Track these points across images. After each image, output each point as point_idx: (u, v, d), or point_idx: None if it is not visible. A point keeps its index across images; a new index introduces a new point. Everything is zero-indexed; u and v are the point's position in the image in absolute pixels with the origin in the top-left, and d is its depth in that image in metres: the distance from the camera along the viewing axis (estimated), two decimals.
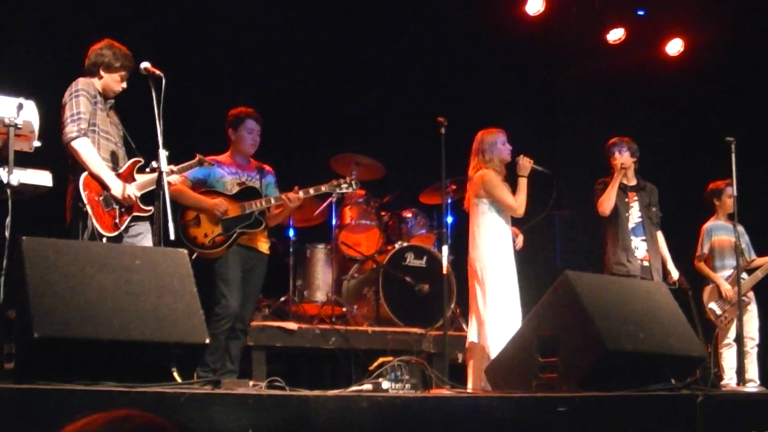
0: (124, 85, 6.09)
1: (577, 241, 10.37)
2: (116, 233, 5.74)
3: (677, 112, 10.76)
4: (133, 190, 5.82)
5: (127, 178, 5.91)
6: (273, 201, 6.82)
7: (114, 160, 5.99)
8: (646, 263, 7.64)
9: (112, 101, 6.15)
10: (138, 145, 6.06)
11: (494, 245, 6.92)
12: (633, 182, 7.94)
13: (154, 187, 5.81)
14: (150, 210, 5.86)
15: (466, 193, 7.21)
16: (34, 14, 7.91)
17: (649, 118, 10.63)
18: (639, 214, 7.76)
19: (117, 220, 5.78)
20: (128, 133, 6.16)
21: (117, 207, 5.80)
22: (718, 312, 8.48)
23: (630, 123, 10.27)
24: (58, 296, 4.11)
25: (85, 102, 5.84)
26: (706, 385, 5.92)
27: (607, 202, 7.67)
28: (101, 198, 5.75)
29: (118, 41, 6.12)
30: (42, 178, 5.48)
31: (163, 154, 5.40)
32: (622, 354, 5.22)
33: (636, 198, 7.83)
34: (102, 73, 6.02)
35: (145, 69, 5.60)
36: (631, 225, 7.76)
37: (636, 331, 5.39)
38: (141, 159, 6.00)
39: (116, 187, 5.78)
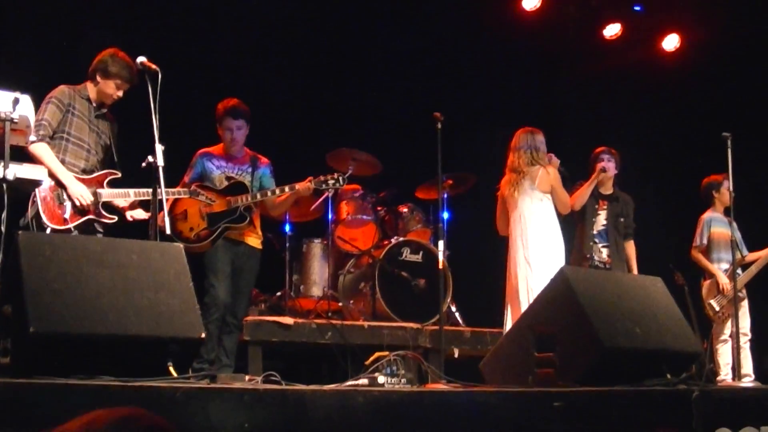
0: (120, 93, 6.24)
1: (572, 239, 10.39)
2: (63, 227, 5.83)
3: (674, 108, 10.74)
4: (87, 191, 5.92)
5: (94, 184, 6.04)
6: (259, 196, 6.82)
7: (81, 166, 6.10)
8: (608, 266, 7.83)
9: (105, 110, 6.28)
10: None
11: (555, 241, 7.17)
12: (609, 192, 8.17)
13: (123, 203, 6.11)
14: (113, 219, 6.04)
15: (509, 185, 7.49)
16: (31, 9, 7.90)
17: (645, 114, 10.62)
18: (605, 222, 7.97)
19: (67, 216, 5.87)
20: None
21: (69, 205, 5.89)
22: (717, 308, 8.49)
23: (626, 118, 10.28)
24: (54, 291, 4.11)
25: (52, 110, 6.01)
26: (701, 381, 5.92)
27: (579, 199, 7.90)
28: (55, 194, 5.87)
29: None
30: (38, 172, 5.49)
31: (159, 148, 5.39)
32: (619, 350, 5.22)
33: (606, 207, 8.08)
34: (98, 78, 6.20)
35: (142, 63, 5.60)
36: (595, 231, 8.01)
37: (632, 326, 5.40)
38: (117, 173, 6.16)
39: (71, 186, 5.89)
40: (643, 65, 10.74)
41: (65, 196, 5.88)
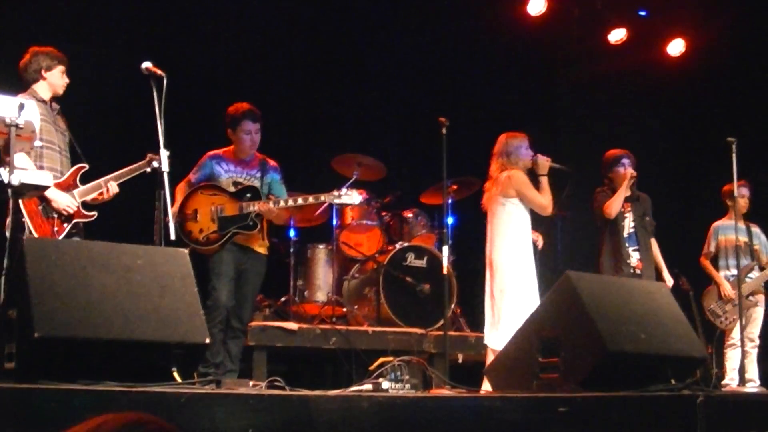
0: (66, 78, 6.27)
1: (578, 242, 10.38)
2: None
3: (679, 113, 10.75)
4: (71, 200, 5.96)
5: (70, 186, 6.06)
6: (272, 204, 6.81)
7: (59, 169, 6.13)
8: (638, 271, 7.69)
9: (59, 107, 6.32)
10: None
11: (517, 245, 7.02)
12: (629, 193, 7.97)
13: (96, 194, 6.07)
14: (93, 215, 6.07)
15: (485, 192, 7.26)
16: (36, 14, 7.92)
17: (650, 119, 10.62)
18: (632, 224, 7.85)
19: (56, 228, 5.92)
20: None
21: (56, 216, 5.94)
22: (719, 313, 8.49)
23: (631, 123, 10.28)
24: (58, 296, 4.11)
25: None
26: (706, 386, 5.91)
27: (615, 206, 7.70)
28: (40, 207, 5.90)
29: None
30: (43, 178, 5.50)
31: (164, 154, 5.41)
32: (623, 354, 5.21)
33: (630, 208, 7.90)
34: (44, 74, 6.19)
35: (147, 69, 5.59)
36: (624, 234, 7.83)
37: (637, 331, 5.38)
38: (85, 165, 6.17)
39: (56, 198, 5.92)
40: (649, 70, 10.74)
41: (51, 209, 5.92)
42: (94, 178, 6.18)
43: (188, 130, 7.93)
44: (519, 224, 7.07)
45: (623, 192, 7.73)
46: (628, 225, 7.84)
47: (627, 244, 7.78)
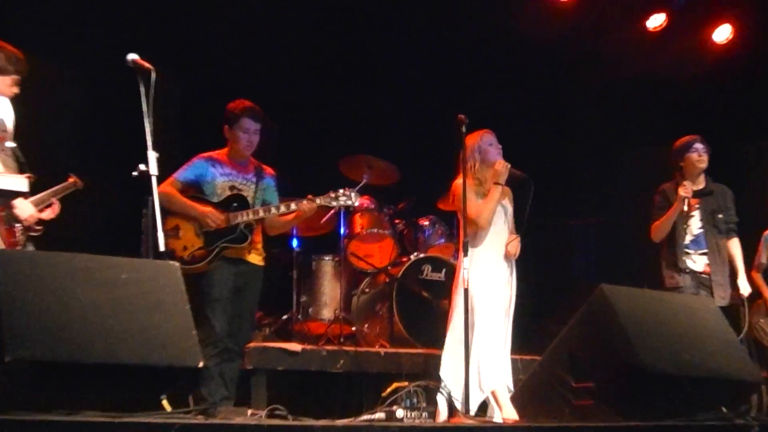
0: (16, 89, 6.00)
1: (592, 251, 10.40)
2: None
3: (714, 115, 10.67)
4: (33, 210, 5.82)
5: (24, 195, 5.92)
6: (261, 213, 6.67)
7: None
8: (705, 276, 7.41)
9: None
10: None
11: (472, 265, 6.72)
12: (700, 186, 7.58)
13: (48, 203, 5.92)
14: (41, 229, 5.89)
15: None
16: (24, 10, 7.92)
17: (683, 120, 10.56)
18: (700, 224, 7.49)
19: (15, 238, 5.77)
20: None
21: (18, 225, 5.79)
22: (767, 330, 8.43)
23: (645, 129, 10.24)
24: (33, 314, 4.06)
25: None
26: (761, 415, 5.83)
27: (660, 231, 7.44)
28: (3, 214, 5.75)
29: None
30: (17, 183, 5.45)
31: (152, 155, 5.32)
32: (665, 377, 5.16)
33: (698, 206, 7.50)
34: None
35: (133, 61, 5.50)
36: (689, 238, 7.45)
37: (680, 351, 5.33)
38: (32, 175, 5.96)
39: (21, 207, 5.77)
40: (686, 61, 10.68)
41: (12, 217, 5.79)
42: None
43: (189, 131, 7.90)
44: (472, 240, 6.82)
45: (674, 215, 7.38)
46: (695, 226, 7.49)
47: (691, 249, 7.45)
